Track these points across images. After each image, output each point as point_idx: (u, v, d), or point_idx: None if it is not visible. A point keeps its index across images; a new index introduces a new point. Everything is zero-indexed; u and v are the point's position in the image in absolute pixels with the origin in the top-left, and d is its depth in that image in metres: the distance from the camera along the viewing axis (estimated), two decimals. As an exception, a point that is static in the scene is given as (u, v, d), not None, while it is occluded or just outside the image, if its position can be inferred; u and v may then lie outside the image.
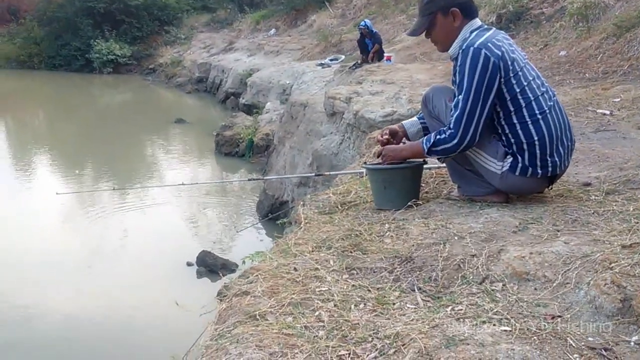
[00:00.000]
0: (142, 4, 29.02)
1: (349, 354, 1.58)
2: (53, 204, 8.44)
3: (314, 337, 1.68)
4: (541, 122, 2.54)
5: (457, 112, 2.52)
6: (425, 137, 2.68)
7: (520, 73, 2.54)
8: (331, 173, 4.69)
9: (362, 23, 11.83)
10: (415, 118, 3.02)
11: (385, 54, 11.27)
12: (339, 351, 1.59)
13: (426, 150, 2.64)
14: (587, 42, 7.71)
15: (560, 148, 2.60)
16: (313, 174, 5.73)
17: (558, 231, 2.22)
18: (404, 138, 2.98)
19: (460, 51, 2.55)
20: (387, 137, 2.92)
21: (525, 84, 2.54)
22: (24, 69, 28.59)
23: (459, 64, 2.54)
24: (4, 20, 31.48)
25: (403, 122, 3.05)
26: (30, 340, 5.41)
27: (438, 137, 2.59)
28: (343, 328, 1.71)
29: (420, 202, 2.83)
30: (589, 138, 4.02)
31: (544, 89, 2.60)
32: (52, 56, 29.09)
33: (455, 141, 2.54)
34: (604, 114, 4.71)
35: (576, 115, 4.69)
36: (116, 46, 28.02)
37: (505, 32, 2.79)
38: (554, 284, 1.83)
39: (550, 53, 8.29)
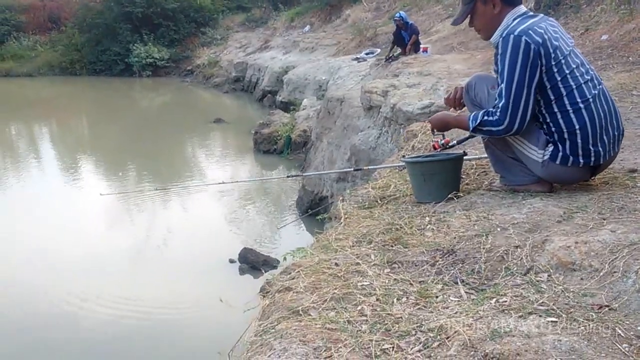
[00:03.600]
0: (178, 6, 29.45)
1: (393, 347, 1.58)
2: (97, 205, 8.65)
3: (357, 331, 1.68)
4: (583, 110, 2.48)
5: (502, 101, 2.49)
6: (472, 115, 2.64)
7: (562, 61, 2.48)
8: (370, 167, 4.67)
9: (397, 15, 11.71)
10: None
11: (421, 46, 11.15)
12: (383, 345, 1.59)
13: (472, 128, 2.61)
14: (630, 25, 7.48)
15: (605, 137, 2.53)
16: (352, 169, 5.71)
17: (604, 219, 2.17)
18: None
19: (501, 39, 2.51)
20: (457, 95, 2.91)
21: (567, 72, 2.48)
22: (66, 75, 29.33)
23: (500, 52, 2.51)
24: (45, 28, 32.35)
25: None
26: (76, 339, 5.55)
27: (486, 117, 2.55)
28: (386, 322, 1.71)
29: (461, 194, 2.80)
30: (634, 123, 3.91)
31: (589, 77, 2.53)
32: (92, 62, 29.77)
33: (502, 127, 2.51)
34: (650, 98, 4.57)
35: (620, 100, 4.56)
36: (154, 49, 28.53)
37: (545, 18, 2.73)
38: (601, 274, 1.79)
39: (592, 38, 8.08)
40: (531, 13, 2.61)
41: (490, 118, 2.54)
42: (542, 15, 2.63)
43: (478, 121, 2.58)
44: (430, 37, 13.97)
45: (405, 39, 11.28)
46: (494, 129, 2.54)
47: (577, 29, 8.84)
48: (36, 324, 5.78)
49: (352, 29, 19.82)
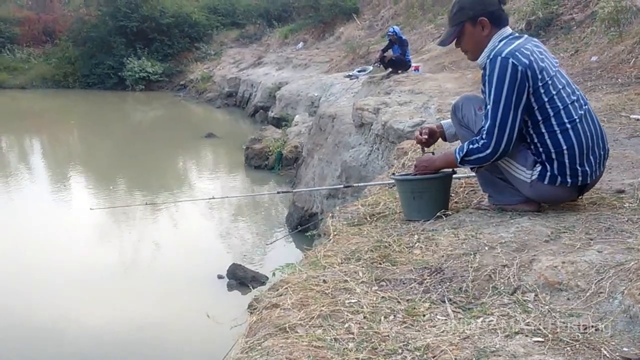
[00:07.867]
0: (173, 21, 29.52)
1: (379, 366, 1.57)
2: (87, 219, 8.60)
3: (344, 349, 1.67)
4: (570, 131, 2.50)
5: (488, 122, 2.50)
6: (458, 147, 2.66)
7: (549, 82, 2.51)
8: (360, 184, 4.68)
9: (391, 29, 11.71)
10: None
11: (413, 64, 11.20)
12: (369, 363, 1.59)
13: (459, 160, 2.62)
14: (619, 47, 7.58)
15: (592, 157, 2.55)
16: (342, 186, 5.72)
17: (591, 240, 2.19)
18: (440, 138, 3.01)
19: (488, 60, 2.54)
20: (426, 137, 2.95)
21: (554, 92, 2.51)
22: (60, 88, 29.21)
23: (487, 73, 2.53)
24: (40, 41, 32.30)
25: (442, 121, 3.05)
26: (63, 355, 5.49)
27: (471, 146, 2.57)
28: (373, 340, 1.71)
29: (450, 213, 2.81)
30: (622, 144, 3.94)
31: (575, 97, 2.56)
32: (86, 75, 29.69)
33: (489, 151, 2.52)
34: (638, 120, 4.62)
35: (609, 121, 4.61)
36: (148, 64, 28.51)
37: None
38: (588, 294, 1.80)
39: (582, 59, 8.17)
40: (517, 34, 2.65)
41: (476, 145, 2.55)
42: (526, 36, 2.66)
43: (464, 151, 2.59)
44: (422, 55, 14.08)
45: (397, 52, 11.22)
46: (481, 155, 2.54)
47: (567, 50, 8.95)
48: (22, 338, 5.71)
49: (345, 46, 19.95)
